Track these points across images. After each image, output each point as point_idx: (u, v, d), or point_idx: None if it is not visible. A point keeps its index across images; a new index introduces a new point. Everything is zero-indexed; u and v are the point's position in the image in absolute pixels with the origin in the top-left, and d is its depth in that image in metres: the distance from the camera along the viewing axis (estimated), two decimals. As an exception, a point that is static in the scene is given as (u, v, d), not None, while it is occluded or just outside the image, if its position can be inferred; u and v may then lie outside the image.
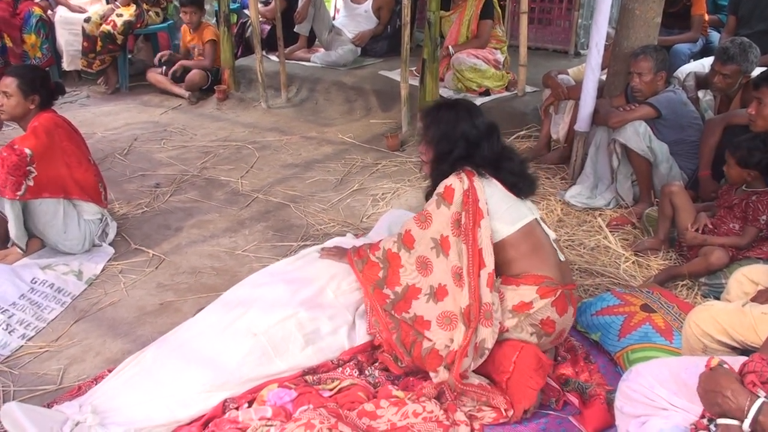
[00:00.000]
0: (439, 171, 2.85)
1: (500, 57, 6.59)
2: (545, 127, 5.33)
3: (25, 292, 3.61)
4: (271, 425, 2.48)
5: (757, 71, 4.14)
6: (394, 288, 2.94)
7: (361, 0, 7.98)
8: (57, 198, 3.83)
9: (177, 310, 3.53)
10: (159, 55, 7.59)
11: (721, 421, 1.78)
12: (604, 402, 2.62)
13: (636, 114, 4.24)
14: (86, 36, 7.45)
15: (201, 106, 7.24)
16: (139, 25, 7.69)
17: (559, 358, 3.00)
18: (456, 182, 2.74)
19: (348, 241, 3.55)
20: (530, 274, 2.78)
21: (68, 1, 7.89)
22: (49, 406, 2.73)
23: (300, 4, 7.58)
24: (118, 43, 7.51)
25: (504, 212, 2.77)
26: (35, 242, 3.95)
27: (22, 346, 3.25)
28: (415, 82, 6.11)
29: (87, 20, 7.44)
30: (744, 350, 2.40)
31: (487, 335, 2.67)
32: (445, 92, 6.32)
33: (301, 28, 7.75)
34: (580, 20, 7.95)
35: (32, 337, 3.32)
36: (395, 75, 6.87)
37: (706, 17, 6.39)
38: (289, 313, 2.95)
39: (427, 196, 2.97)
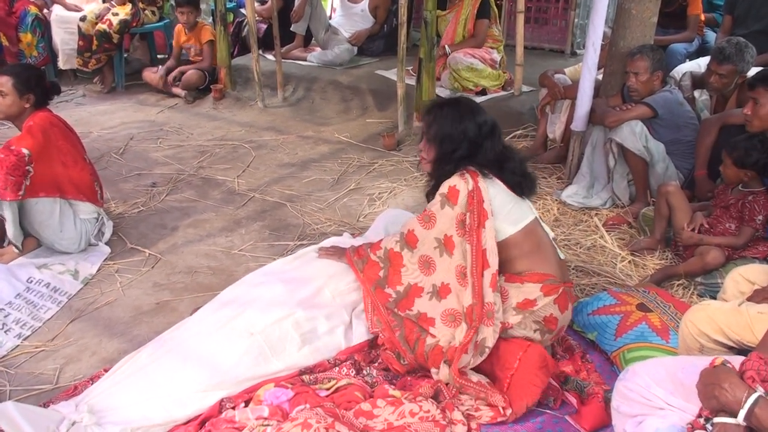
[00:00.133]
0: (441, 171, 2.83)
1: (497, 56, 6.59)
2: (541, 127, 5.34)
3: (21, 291, 3.60)
4: (268, 425, 2.48)
5: (753, 71, 4.15)
6: (395, 287, 2.94)
7: (357, -1, 7.99)
8: (53, 197, 3.82)
9: (173, 310, 3.52)
10: (168, 71, 7.48)
11: (718, 419, 1.79)
12: (602, 401, 2.63)
13: (632, 113, 4.24)
14: (82, 35, 7.44)
15: (197, 106, 7.24)
16: (135, 24, 7.69)
17: (558, 356, 3.00)
18: (460, 183, 2.73)
19: (345, 241, 3.55)
20: (533, 272, 2.81)
21: (64, 0, 7.88)
22: (45, 405, 2.72)
23: (296, 3, 7.57)
24: (114, 42, 7.51)
25: (507, 212, 2.78)
26: (31, 241, 3.94)
27: (18, 345, 3.24)
28: (412, 81, 6.11)
29: (83, 19, 7.44)
30: (740, 350, 2.41)
31: (489, 334, 2.68)
32: (442, 91, 6.32)
33: (298, 27, 7.75)
34: (576, 20, 7.98)
35: (28, 336, 3.31)
36: (392, 74, 6.88)
37: (702, 17, 6.40)
38: (286, 312, 2.95)
39: (428, 195, 2.97)
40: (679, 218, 3.78)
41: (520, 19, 6.25)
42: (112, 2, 7.60)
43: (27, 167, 3.61)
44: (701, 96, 4.84)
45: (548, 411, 2.71)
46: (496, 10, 6.76)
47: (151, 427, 2.59)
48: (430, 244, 2.85)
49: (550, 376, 2.70)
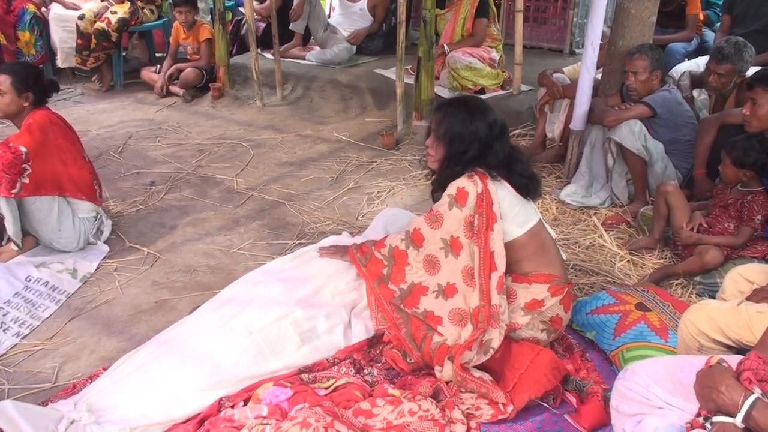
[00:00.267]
0: (450, 171, 2.81)
1: (495, 55, 6.59)
2: (540, 126, 5.34)
3: (20, 290, 3.60)
4: (267, 424, 2.47)
5: (752, 70, 4.15)
6: (399, 285, 2.95)
7: (356, -2, 8.00)
8: (52, 195, 3.82)
9: (172, 309, 3.52)
10: (165, 70, 7.48)
11: (716, 419, 1.79)
12: (601, 400, 2.63)
13: (631, 113, 4.24)
14: (80, 33, 7.43)
15: (196, 104, 7.24)
16: (133, 23, 7.68)
17: (559, 355, 3.00)
18: (469, 185, 2.72)
19: (344, 240, 3.55)
20: (540, 272, 2.83)
21: (63, -2, 7.88)
22: (44, 404, 2.72)
23: (295, 1, 7.57)
24: (113, 41, 7.50)
25: (515, 214, 2.78)
26: (30, 240, 3.94)
27: (16, 344, 3.24)
28: (411, 80, 6.10)
29: (81, 17, 7.42)
30: (739, 349, 2.42)
31: (495, 336, 2.69)
32: (441, 90, 6.32)
33: (297, 26, 7.75)
34: (575, 19, 7.98)
35: (27, 335, 3.31)
36: (390, 73, 6.88)
37: (701, 16, 6.41)
38: (285, 311, 2.95)
39: (434, 193, 2.96)
40: (678, 218, 3.78)
41: (519, 18, 6.25)
42: (111, 1, 7.59)
43: (24, 165, 3.61)
44: (700, 95, 4.84)
45: (546, 406, 2.71)
46: (494, 9, 6.76)
47: (150, 426, 2.58)
48: (435, 244, 2.85)
49: (559, 380, 2.71)
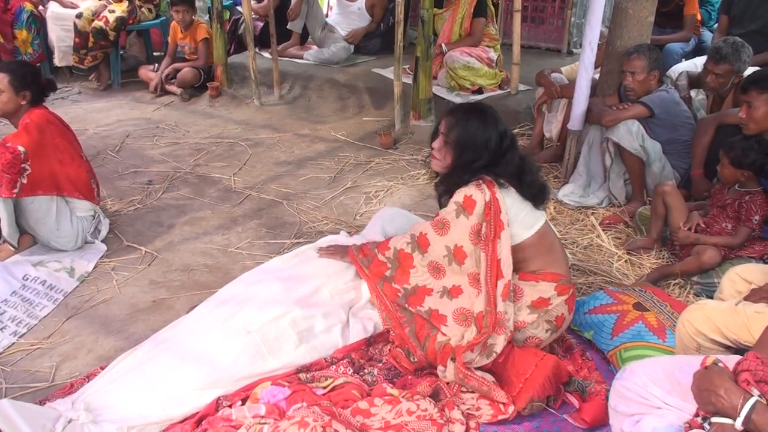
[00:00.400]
0: (458, 178, 2.80)
1: (493, 55, 6.59)
2: (538, 126, 5.35)
3: (17, 289, 3.60)
4: (265, 423, 2.47)
5: (750, 71, 4.16)
6: (402, 285, 2.95)
7: (354, -3, 7.99)
8: (50, 195, 3.81)
9: (169, 308, 3.52)
10: (163, 69, 7.48)
11: (715, 419, 1.79)
12: (604, 399, 2.62)
13: (629, 113, 4.25)
14: (78, 32, 7.42)
15: (193, 103, 7.23)
16: (131, 22, 7.68)
17: (559, 356, 3.01)
18: (477, 193, 2.71)
19: (342, 239, 3.55)
20: (548, 271, 2.84)
21: (60, -3, 7.87)
22: (41, 403, 2.71)
23: (293, 1, 7.57)
24: (110, 40, 7.49)
25: (522, 219, 2.79)
26: (27, 239, 3.93)
27: (13, 343, 3.23)
28: (409, 80, 6.10)
29: (79, 16, 7.41)
30: (737, 349, 2.42)
31: (499, 341, 2.69)
32: (438, 90, 6.33)
33: (294, 25, 7.75)
34: (573, 19, 7.98)
35: (24, 334, 3.30)
36: (388, 73, 6.87)
37: (699, 16, 6.42)
38: (284, 311, 2.95)
39: (440, 198, 2.95)
40: (676, 218, 3.79)
41: (517, 18, 6.25)
42: (109, -1, 7.60)
43: (23, 165, 3.61)
44: (698, 95, 4.86)
45: (547, 408, 2.71)
46: (492, 8, 6.76)
47: (148, 425, 2.58)
48: (440, 251, 2.85)
49: (561, 384, 2.71)
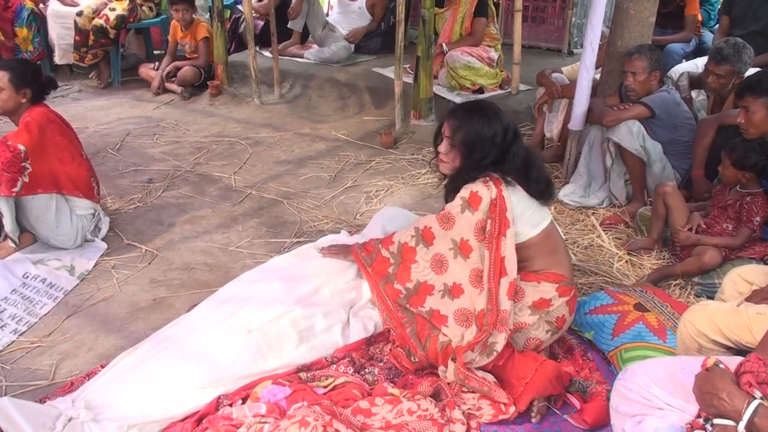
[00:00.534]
0: (467, 176, 2.79)
1: (494, 55, 6.59)
2: (538, 126, 5.34)
3: (17, 287, 3.59)
4: (265, 422, 2.47)
5: (751, 71, 4.16)
6: (404, 284, 2.94)
7: (355, -3, 7.99)
8: (50, 193, 3.81)
9: (170, 306, 3.51)
10: (164, 68, 7.49)
11: (717, 421, 1.79)
12: (606, 399, 2.61)
13: (630, 113, 4.24)
14: (78, 30, 7.41)
15: (194, 102, 7.23)
16: (132, 20, 7.68)
17: (560, 357, 3.01)
18: (483, 190, 2.71)
19: (342, 239, 3.54)
20: (550, 271, 2.84)
21: (61, -5, 7.86)
22: (41, 401, 2.71)
23: (293, 0, 7.56)
24: (111, 38, 7.49)
25: (528, 217, 2.78)
26: (27, 237, 3.93)
27: (13, 341, 3.23)
28: (409, 79, 6.10)
29: (79, 14, 7.41)
30: (739, 350, 2.41)
31: (500, 340, 2.68)
32: (439, 90, 6.32)
33: (295, 24, 7.74)
34: (573, 19, 7.98)
35: (24, 332, 3.30)
36: (389, 72, 6.87)
37: (699, 17, 6.42)
38: (284, 310, 2.94)
39: (447, 194, 2.94)
40: (677, 218, 3.78)
41: (518, 18, 6.25)
42: (109, -3, 7.59)
43: (23, 163, 3.60)
44: (698, 96, 4.85)
45: (549, 408, 2.71)
46: (493, 8, 6.75)
47: (148, 424, 2.58)
48: (445, 244, 2.84)
49: (561, 390, 2.71)
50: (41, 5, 7.72)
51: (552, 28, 8.42)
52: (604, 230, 4.19)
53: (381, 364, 2.95)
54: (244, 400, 2.69)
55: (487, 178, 2.73)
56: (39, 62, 7.26)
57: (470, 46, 6.47)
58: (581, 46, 5.64)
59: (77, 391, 2.74)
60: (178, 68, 7.35)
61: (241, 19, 7.91)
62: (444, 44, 6.55)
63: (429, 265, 2.89)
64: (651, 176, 4.32)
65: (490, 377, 2.71)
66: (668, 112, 4.25)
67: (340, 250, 3.30)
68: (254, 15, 7.20)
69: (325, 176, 5.22)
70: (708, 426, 1.83)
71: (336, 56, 7.53)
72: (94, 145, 5.76)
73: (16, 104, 3.77)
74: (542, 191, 2.82)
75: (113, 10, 7.41)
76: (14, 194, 3.62)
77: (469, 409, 2.66)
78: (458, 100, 6.07)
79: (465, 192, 2.75)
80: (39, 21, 7.52)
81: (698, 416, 1.89)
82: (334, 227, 4.28)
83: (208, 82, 7.24)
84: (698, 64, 5.14)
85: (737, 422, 1.75)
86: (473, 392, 2.72)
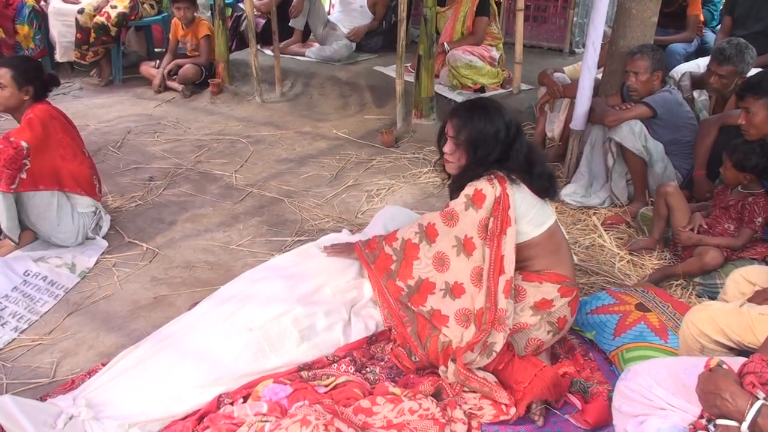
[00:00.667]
0: (473, 173, 2.79)
1: (495, 54, 6.59)
2: (540, 125, 5.34)
3: (18, 284, 3.59)
4: (267, 421, 2.47)
5: (753, 72, 4.15)
6: (406, 281, 2.95)
7: (356, -5, 7.99)
8: (51, 190, 3.81)
9: (171, 304, 3.51)
10: (165, 66, 7.49)
11: (720, 421, 1.79)
12: (607, 399, 2.62)
13: (632, 113, 4.24)
14: (80, 27, 7.40)
15: (195, 100, 7.23)
16: (133, 17, 7.66)
17: (561, 357, 3.01)
18: (488, 188, 2.71)
19: (343, 237, 3.54)
20: (552, 272, 2.83)
21: (62, -8, 7.85)
22: (42, 399, 2.70)
23: (295, -2, 7.57)
24: (112, 35, 7.47)
25: (532, 217, 2.78)
26: (28, 234, 3.92)
27: (14, 338, 3.22)
28: (411, 78, 6.11)
29: (80, 11, 7.40)
30: (741, 351, 2.41)
31: (499, 339, 2.68)
32: (441, 89, 6.32)
33: (296, 23, 7.74)
34: (575, 18, 7.99)
35: (25, 329, 3.29)
36: (390, 71, 6.88)
37: (702, 17, 6.41)
38: (286, 308, 2.95)
39: (451, 192, 2.94)
40: (678, 218, 3.78)
41: (520, 17, 6.25)
42: (111, -5, 7.58)
43: (24, 161, 3.60)
44: (700, 96, 4.85)
45: (550, 408, 2.71)
46: (495, 7, 6.76)
47: (149, 422, 2.58)
48: (448, 242, 2.85)
49: (557, 396, 2.70)
50: (42, 2, 7.72)
51: (553, 27, 8.42)
52: (605, 230, 4.19)
53: (382, 363, 2.96)
54: (245, 399, 2.69)
55: (492, 176, 2.73)
56: (40, 60, 7.23)
57: (472, 45, 6.47)
58: (583, 46, 5.64)
59: (78, 389, 2.74)
60: (180, 66, 7.35)
61: (243, 17, 7.90)
62: (445, 43, 6.55)
63: (431, 263, 2.89)
64: (653, 176, 4.32)
65: (491, 377, 2.71)
66: (670, 112, 4.25)
67: (343, 249, 3.30)
68: (256, 13, 7.20)
69: (326, 175, 5.21)
70: (711, 426, 1.83)
71: (337, 55, 7.53)
72: (95, 142, 5.76)
73: (19, 101, 3.77)
74: (546, 188, 2.82)
75: (114, 7, 7.40)
76: (12, 191, 3.61)
77: (470, 408, 2.66)
78: (459, 99, 6.07)
79: (469, 190, 2.76)
80: (40, 18, 7.52)
81: (701, 417, 1.89)
82: (335, 226, 4.28)
83: (209, 80, 7.24)
84: (700, 64, 5.14)
85: (740, 423, 1.75)
86: (474, 392, 2.72)
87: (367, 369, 2.90)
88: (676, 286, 3.62)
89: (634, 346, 2.93)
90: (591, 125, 4.56)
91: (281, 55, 7.14)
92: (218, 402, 2.66)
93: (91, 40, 7.41)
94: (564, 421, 2.65)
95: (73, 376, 2.91)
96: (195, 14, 7.28)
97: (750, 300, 2.62)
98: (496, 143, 2.73)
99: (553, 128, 5.22)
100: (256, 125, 6.41)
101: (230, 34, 7.79)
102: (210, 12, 8.22)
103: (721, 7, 6.65)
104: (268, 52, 7.54)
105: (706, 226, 3.67)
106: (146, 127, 6.36)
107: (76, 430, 2.48)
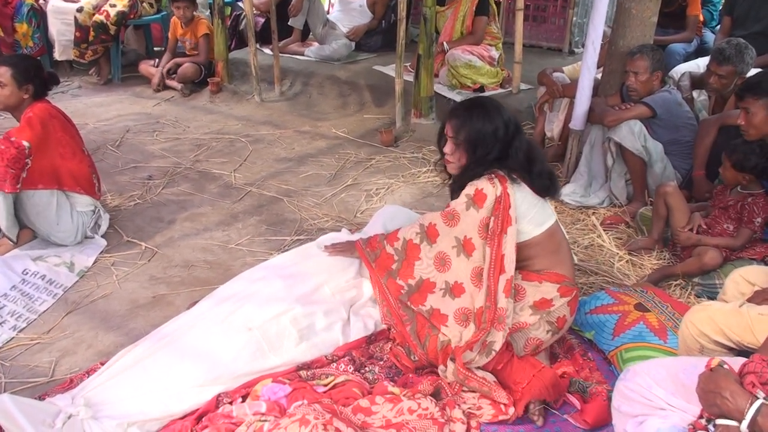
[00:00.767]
0: (473, 172, 2.79)
1: (495, 54, 6.58)
2: (539, 125, 5.34)
3: (17, 283, 3.58)
4: (265, 420, 2.46)
5: (753, 72, 4.15)
6: (407, 280, 2.95)
7: (355, -6, 7.98)
8: (51, 189, 3.80)
9: (170, 304, 3.51)
10: (164, 65, 7.49)
11: (720, 421, 1.79)
12: (606, 399, 2.62)
13: (631, 113, 4.24)
14: (78, 26, 7.40)
15: (194, 99, 7.22)
16: (132, 16, 7.66)
17: (560, 356, 3.01)
18: (488, 187, 2.71)
19: (343, 237, 3.54)
20: (552, 271, 2.83)
21: (61, -9, 7.84)
22: (41, 398, 2.70)
23: (294, -3, 7.56)
24: (111, 34, 7.47)
25: (532, 216, 2.78)
26: (27, 233, 3.92)
27: (13, 337, 3.22)
28: (410, 77, 6.10)
29: (79, 10, 7.40)
30: (741, 351, 2.41)
31: (498, 338, 2.68)
32: (440, 88, 6.31)
33: (296, 22, 7.74)
34: (574, 18, 7.99)
35: (23, 328, 3.29)
36: (389, 70, 6.88)
37: (701, 18, 6.42)
38: (285, 308, 2.95)
39: (452, 192, 2.94)
40: (678, 219, 3.78)
41: (519, 17, 6.25)
42: (110, -7, 7.57)
43: (26, 160, 3.59)
44: (700, 96, 4.85)
45: (549, 408, 2.71)
46: (494, 7, 6.75)
47: (148, 422, 2.57)
48: (449, 242, 2.85)
49: (556, 397, 2.70)
50: (41, 1, 7.71)
51: (553, 27, 8.42)
52: (604, 230, 4.19)
53: (381, 362, 2.96)
54: (244, 398, 2.69)
55: (493, 175, 2.73)
56: (39, 58, 7.22)
57: (471, 45, 6.47)
58: (582, 46, 5.64)
59: (77, 388, 2.73)
60: (179, 65, 7.35)
61: (242, 16, 7.90)
62: (445, 43, 6.55)
63: (432, 263, 2.89)
64: (652, 176, 4.32)
65: (490, 377, 2.71)
66: (669, 112, 4.25)
67: (344, 248, 3.30)
68: (255, 12, 7.20)
69: (326, 174, 5.21)
70: (710, 426, 1.83)
71: (336, 54, 7.52)
72: (93, 141, 5.75)
73: (19, 100, 3.76)
74: (547, 187, 2.82)
75: (113, 6, 7.40)
76: (17, 190, 3.61)
77: (469, 408, 2.66)
78: (459, 98, 6.07)
79: (470, 189, 2.76)
80: (39, 17, 7.51)
81: (700, 417, 1.89)
82: (335, 225, 4.28)
83: (208, 79, 7.24)
84: (699, 64, 5.14)
85: (740, 422, 1.75)
86: (473, 391, 2.72)
87: (366, 368, 2.90)
88: (675, 286, 3.62)
89: (633, 346, 2.93)
90: (590, 125, 4.56)
91: (280, 54, 7.14)
92: (217, 401, 2.65)
93: (90, 38, 7.40)
94: (563, 421, 2.65)
95: (72, 375, 2.90)
96: (194, 13, 7.28)
97: (749, 300, 2.62)
98: (495, 142, 2.73)
99: (553, 128, 5.21)
100: (255, 124, 6.40)
101: (229, 33, 7.79)
102: (209, 11, 8.21)
103: (720, 8, 6.65)
104: (267, 51, 7.54)
105: (705, 227, 3.67)
106: (145, 125, 6.35)
107: (74, 430, 2.47)
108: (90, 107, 6.91)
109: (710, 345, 2.48)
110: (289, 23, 7.74)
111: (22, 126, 3.71)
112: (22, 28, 7.38)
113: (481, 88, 6.37)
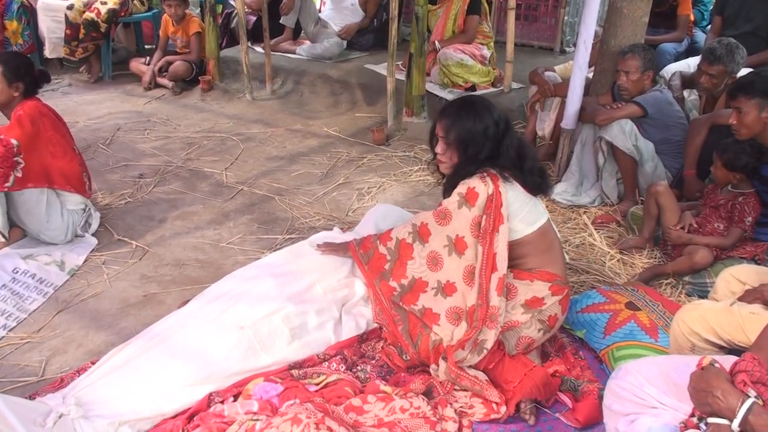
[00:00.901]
0: (464, 171, 2.80)
1: (486, 53, 6.58)
2: (531, 124, 5.35)
3: (6, 282, 3.56)
4: (257, 419, 2.46)
5: (743, 72, 4.17)
6: (399, 281, 2.95)
7: (347, -7, 7.97)
8: (40, 188, 3.78)
9: (161, 303, 3.49)
10: (155, 63, 7.46)
11: (712, 419, 1.79)
12: (597, 398, 2.62)
13: (622, 112, 4.25)
14: (69, 23, 7.36)
15: (185, 97, 7.20)
16: (123, 14, 7.63)
17: (551, 355, 3.01)
18: (480, 186, 2.72)
19: (335, 236, 3.55)
20: (544, 270, 2.84)
21: (51, -12, 7.80)
22: (31, 397, 2.69)
23: (286, -5, 7.55)
24: (102, 31, 7.44)
25: (524, 215, 2.78)
26: (16, 231, 3.90)
27: (3, 336, 3.20)
28: (402, 76, 6.10)
29: (70, 7, 7.36)
30: (732, 350, 2.42)
31: (490, 336, 2.69)
32: (431, 87, 6.31)
33: (287, 20, 7.73)
34: (566, 17, 8.01)
35: (13, 327, 3.27)
36: (381, 69, 6.87)
37: (692, 17, 6.44)
38: (277, 307, 2.95)
39: (445, 191, 2.94)
40: (668, 218, 3.79)
41: (511, 16, 6.25)
42: (100, -9, 7.54)
43: (16, 158, 3.58)
44: (690, 96, 4.87)
45: (540, 407, 2.71)
46: (486, 6, 6.74)
47: (139, 421, 2.56)
48: (440, 241, 2.85)
49: (547, 396, 2.70)
50: (31, -2, 7.68)
51: (544, 26, 8.43)
52: (595, 229, 4.20)
53: (373, 361, 2.96)
54: (235, 398, 2.68)
55: (485, 174, 2.74)
56: (29, 56, 7.19)
57: (463, 44, 6.47)
58: (573, 45, 5.65)
59: (67, 387, 2.72)
60: (170, 63, 7.33)
61: (234, 15, 7.89)
62: (436, 41, 6.55)
63: (425, 262, 2.90)
64: (643, 175, 4.33)
65: (482, 376, 2.71)
66: (661, 111, 4.26)
67: (337, 248, 3.30)
68: (246, 10, 7.17)
69: (317, 173, 5.20)
70: (702, 425, 1.83)
71: (328, 52, 7.51)
72: (84, 139, 5.73)
73: (9, 98, 3.74)
74: (538, 184, 2.83)
75: (104, 3, 7.37)
76: (6, 189, 3.59)
77: (461, 407, 2.66)
78: (450, 97, 6.07)
79: (462, 188, 2.76)
80: (29, 14, 7.47)
81: (692, 415, 1.90)
82: (326, 224, 4.27)
83: (199, 78, 7.21)
84: (690, 63, 5.16)
85: (731, 420, 1.75)
86: (465, 390, 2.72)
87: (358, 367, 2.90)
88: (665, 285, 3.63)
89: (624, 344, 2.94)
90: (582, 124, 4.57)
91: (272, 53, 7.13)
92: (209, 400, 2.65)
93: (81, 36, 7.37)
94: (554, 420, 2.66)
95: (63, 375, 2.89)
96: (185, 11, 7.25)
97: (740, 299, 2.62)
98: (486, 140, 2.74)
99: (544, 127, 5.22)
100: (247, 123, 6.39)
101: (221, 31, 7.77)
102: (200, 9, 8.19)
103: (711, 7, 6.66)
104: (258, 49, 7.52)
105: (696, 226, 3.69)
106: (136, 124, 6.33)
107: (65, 429, 2.46)
108: (80, 105, 6.88)
109: (701, 343, 2.49)
110: (280, 21, 7.73)
111: (11, 124, 3.69)
112: (12, 25, 7.34)
113: (473, 87, 6.37)
